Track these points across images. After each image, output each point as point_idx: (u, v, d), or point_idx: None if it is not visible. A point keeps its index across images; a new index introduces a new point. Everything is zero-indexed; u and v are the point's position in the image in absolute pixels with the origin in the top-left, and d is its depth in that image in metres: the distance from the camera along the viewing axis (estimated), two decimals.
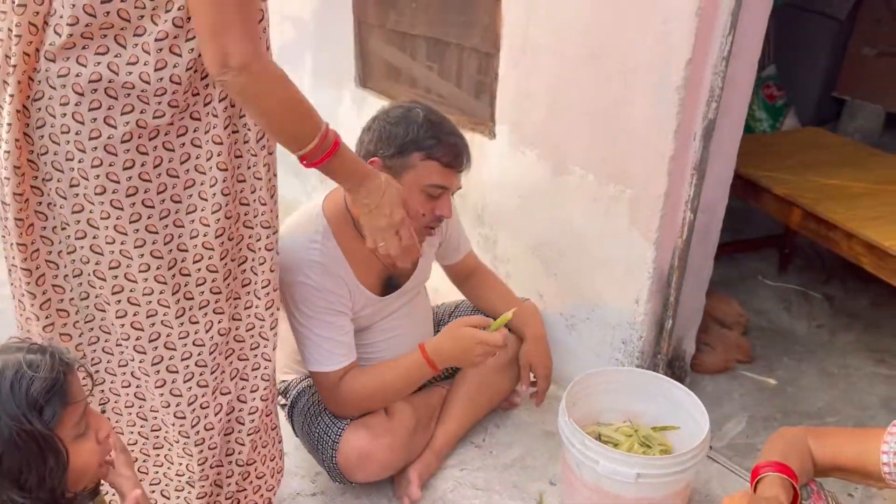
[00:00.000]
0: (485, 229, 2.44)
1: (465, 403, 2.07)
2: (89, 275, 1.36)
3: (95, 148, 1.24)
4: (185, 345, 1.41)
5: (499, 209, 2.36)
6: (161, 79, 1.23)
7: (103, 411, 1.49)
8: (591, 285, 2.13)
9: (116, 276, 1.34)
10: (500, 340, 1.73)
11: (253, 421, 1.55)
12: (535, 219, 2.23)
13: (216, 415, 1.49)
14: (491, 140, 2.30)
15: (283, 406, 2.06)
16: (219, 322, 1.43)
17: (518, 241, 2.32)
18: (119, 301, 1.36)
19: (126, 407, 1.52)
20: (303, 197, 3.39)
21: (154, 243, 1.33)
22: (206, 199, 1.35)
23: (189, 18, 1.21)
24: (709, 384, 2.35)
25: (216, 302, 1.42)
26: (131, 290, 1.35)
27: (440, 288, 2.33)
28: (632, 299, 2.02)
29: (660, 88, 1.79)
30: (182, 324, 1.39)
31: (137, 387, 1.48)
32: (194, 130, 1.32)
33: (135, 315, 1.38)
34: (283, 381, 2.05)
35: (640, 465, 1.63)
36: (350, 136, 2.91)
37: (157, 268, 1.34)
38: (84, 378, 1.07)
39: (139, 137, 1.26)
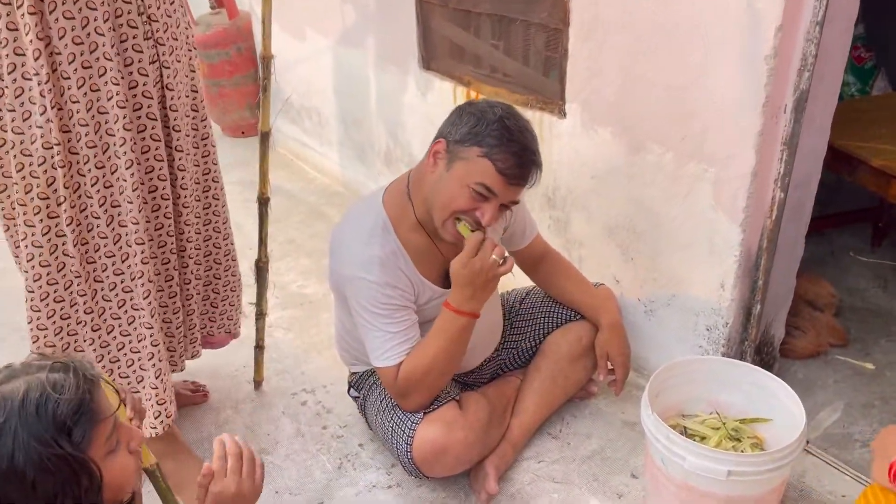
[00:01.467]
0: (555, 212, 2.35)
1: (540, 394, 2.01)
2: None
3: None
4: None
5: (570, 191, 2.27)
6: None
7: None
8: (672, 269, 2.02)
9: None
10: (475, 241, 1.62)
11: None
12: (609, 200, 2.14)
13: None
14: (561, 119, 2.21)
15: (354, 398, 2.05)
16: None
17: (592, 223, 2.23)
18: None
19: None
20: (369, 181, 3.37)
21: None
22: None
23: None
24: (800, 370, 2.22)
25: None
26: None
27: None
28: (716, 284, 1.91)
29: (745, 59, 1.66)
30: None
31: None
32: None
33: None
34: (355, 373, 2.03)
35: (731, 463, 1.53)
36: (417, 122, 2.88)
37: None
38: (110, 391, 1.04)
39: None
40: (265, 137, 1.95)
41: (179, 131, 1.75)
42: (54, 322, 1.74)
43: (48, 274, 1.69)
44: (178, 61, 1.73)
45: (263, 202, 2.03)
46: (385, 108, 3.07)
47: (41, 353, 1.00)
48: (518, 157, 1.59)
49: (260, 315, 2.16)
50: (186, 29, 1.80)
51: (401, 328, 1.73)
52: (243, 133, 4.24)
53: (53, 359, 0.97)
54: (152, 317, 1.76)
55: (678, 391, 1.83)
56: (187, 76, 1.80)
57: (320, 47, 3.36)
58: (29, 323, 1.74)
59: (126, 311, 1.77)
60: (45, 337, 1.76)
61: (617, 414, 2.11)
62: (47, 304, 1.72)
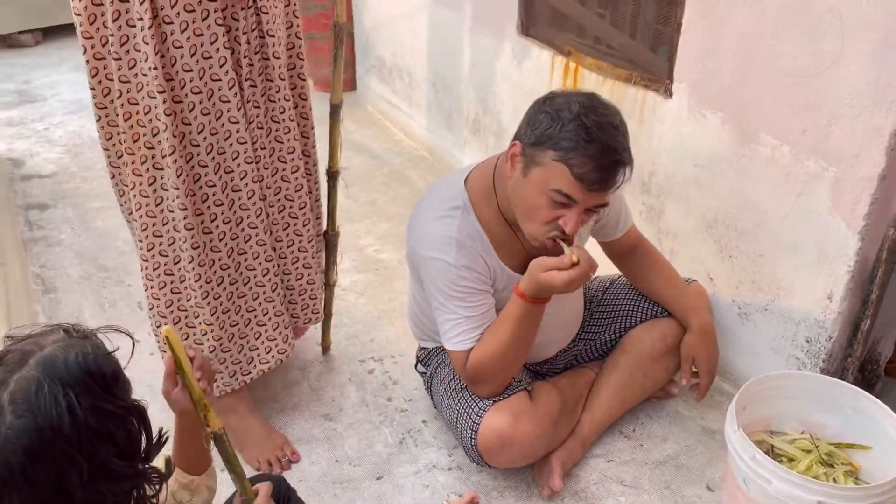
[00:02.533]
0: (650, 198, 2.21)
1: (615, 390, 1.91)
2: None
3: None
4: None
5: (669, 178, 2.12)
6: None
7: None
8: (774, 273, 1.86)
9: None
10: (568, 260, 1.47)
11: None
12: (711, 192, 1.98)
13: None
14: (666, 99, 2.05)
15: (422, 374, 2.00)
16: None
17: (689, 215, 2.08)
18: None
19: None
20: (454, 149, 3.28)
21: None
22: None
23: None
24: None
25: None
26: None
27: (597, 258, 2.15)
28: (823, 293, 1.75)
29: (883, 49, 1.48)
30: None
31: None
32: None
33: None
34: (423, 348, 1.98)
35: (823, 494, 1.40)
36: (510, 91, 2.76)
37: None
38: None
39: None
40: (335, 110, 1.87)
41: (284, 80, 1.70)
42: (159, 276, 1.74)
43: (154, 225, 1.68)
44: (276, 7, 1.66)
45: (332, 175, 1.98)
46: (477, 74, 2.96)
47: (10, 336, 0.94)
48: (597, 160, 1.43)
49: (327, 285, 2.13)
50: None
51: (476, 313, 1.65)
52: None
53: (49, 327, 0.92)
54: (265, 276, 1.80)
55: (769, 405, 1.69)
56: (286, 26, 1.74)
57: (417, 5, 3.26)
58: (142, 271, 1.77)
59: (240, 269, 1.78)
60: (154, 297, 1.77)
61: (696, 419, 1.99)
62: (153, 256, 1.72)
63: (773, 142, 1.76)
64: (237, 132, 1.64)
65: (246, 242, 1.76)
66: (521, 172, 1.52)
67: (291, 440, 1.93)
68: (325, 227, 2.04)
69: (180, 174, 1.61)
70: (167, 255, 1.72)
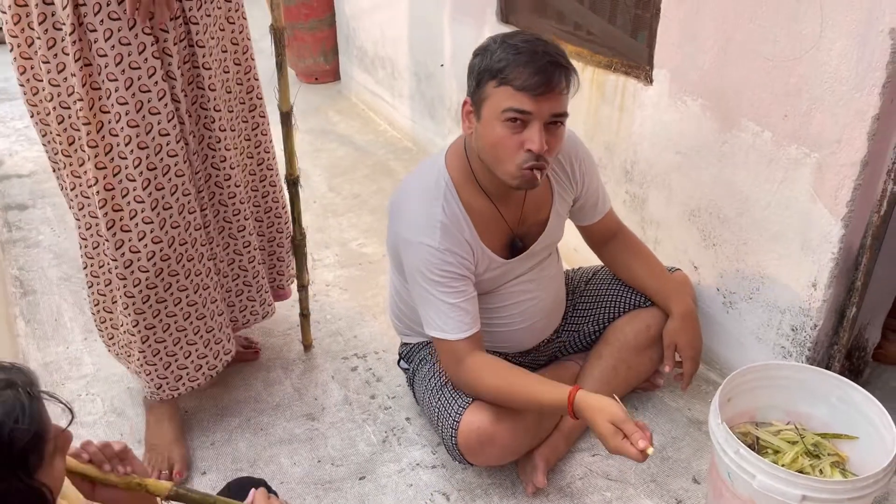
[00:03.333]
0: (633, 187, 2.18)
1: (600, 383, 1.88)
2: None
3: None
4: None
5: (651, 166, 2.09)
6: None
7: None
8: (758, 260, 1.83)
9: None
10: (643, 448, 1.38)
11: None
12: (694, 179, 1.95)
13: None
14: (646, 86, 2.01)
15: (404, 370, 1.97)
16: None
17: (672, 203, 2.05)
18: None
19: None
20: (438, 139, 3.24)
21: None
22: None
23: None
24: (892, 378, 2.01)
25: None
26: None
27: (579, 247, 2.12)
28: (807, 281, 1.72)
29: (866, 30, 1.44)
30: None
31: None
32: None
33: None
34: (406, 344, 1.95)
35: (807, 487, 1.38)
36: None
37: None
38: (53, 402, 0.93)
39: None
40: (286, 119, 1.84)
41: (214, 90, 1.65)
42: (96, 276, 1.74)
43: (97, 226, 1.65)
44: (209, 15, 1.61)
45: (292, 183, 1.94)
46: (459, 62, 2.92)
47: None
48: (532, 65, 1.42)
49: (301, 287, 2.13)
50: None
51: (457, 300, 1.62)
52: (317, 79, 4.16)
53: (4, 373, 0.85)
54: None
55: (753, 396, 1.67)
56: (223, 30, 1.69)
57: None
58: (83, 269, 1.77)
59: (170, 289, 1.73)
60: (93, 297, 1.78)
61: (683, 410, 1.96)
62: (93, 256, 1.71)
63: (754, 128, 1.73)
64: (167, 145, 1.57)
65: (178, 263, 1.69)
66: (476, 119, 1.52)
67: (273, 441, 1.91)
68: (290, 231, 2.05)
69: (109, 189, 1.56)
70: (102, 260, 1.70)
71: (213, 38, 1.63)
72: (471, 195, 1.63)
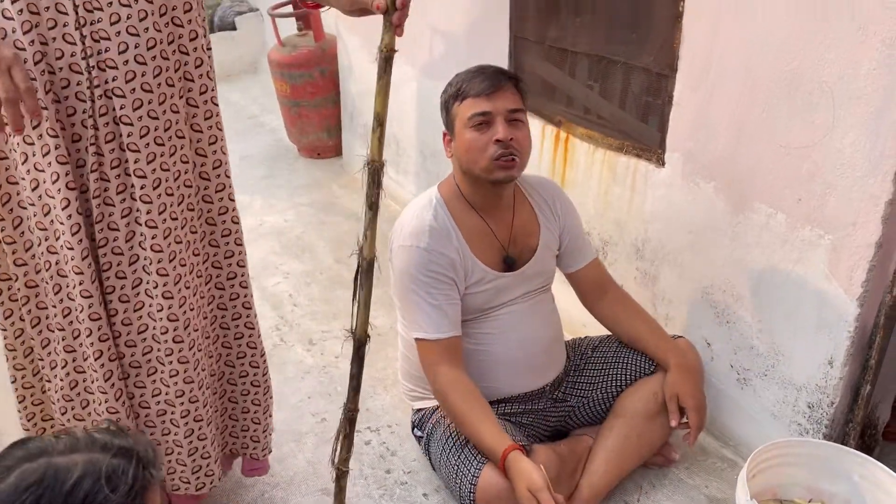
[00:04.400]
0: (644, 264, 2.24)
1: (612, 455, 1.89)
2: None
3: None
4: None
5: (662, 244, 2.15)
6: None
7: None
8: (773, 338, 1.88)
9: None
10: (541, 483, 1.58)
11: None
12: (707, 258, 2.01)
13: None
14: (658, 168, 2.10)
15: (418, 438, 1.97)
16: None
17: (684, 281, 2.10)
18: None
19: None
20: None
21: None
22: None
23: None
24: None
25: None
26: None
27: (588, 323, 2.16)
28: (823, 359, 1.76)
29: (877, 121, 1.53)
30: None
31: None
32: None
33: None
34: (419, 410, 1.97)
35: None
36: None
37: None
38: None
39: None
40: (369, 270, 1.46)
41: (149, 202, 1.43)
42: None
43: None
44: (154, 118, 1.40)
45: (360, 344, 1.54)
46: None
47: (116, 425, 0.88)
48: (479, 74, 1.75)
49: (342, 474, 1.69)
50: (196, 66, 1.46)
51: (440, 301, 1.77)
52: (318, 154, 4.24)
53: (122, 438, 0.87)
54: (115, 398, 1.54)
55: (776, 473, 1.69)
56: (182, 138, 1.47)
57: (405, 77, 3.33)
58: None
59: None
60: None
61: (700, 488, 1.97)
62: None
63: (767, 210, 1.80)
64: (72, 259, 1.41)
65: (85, 390, 1.57)
66: (452, 138, 1.81)
67: None
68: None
69: (31, 287, 1.50)
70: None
71: (160, 144, 1.42)
72: (461, 211, 1.83)
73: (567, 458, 1.86)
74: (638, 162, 2.17)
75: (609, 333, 2.06)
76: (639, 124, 2.21)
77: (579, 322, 2.33)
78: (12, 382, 1.63)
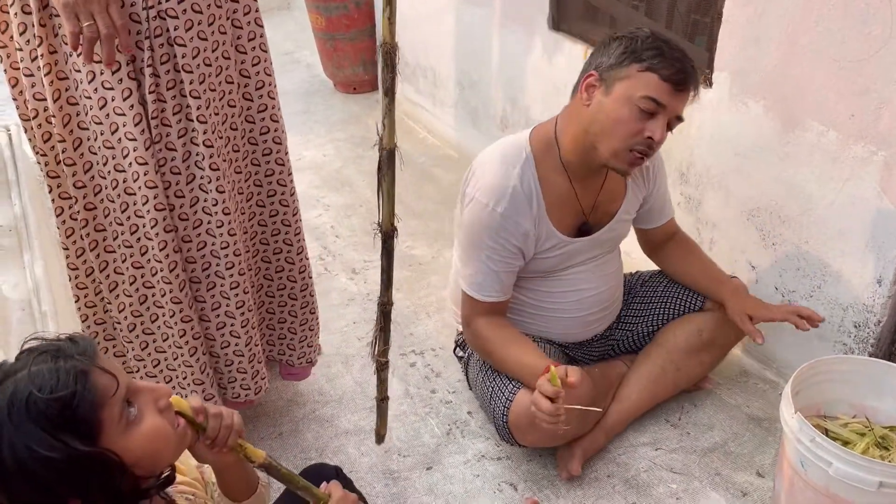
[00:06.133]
0: (688, 188, 2.22)
1: (646, 382, 1.91)
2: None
3: None
4: None
5: (708, 168, 2.13)
6: None
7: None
8: (820, 259, 1.87)
9: None
10: (545, 405, 1.51)
11: None
12: (753, 180, 1.99)
13: None
14: (706, 89, 2.06)
15: (459, 358, 2.02)
16: None
17: (729, 204, 2.09)
18: None
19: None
20: (480, 147, 3.28)
21: None
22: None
23: None
24: None
25: None
26: None
27: (632, 251, 2.16)
28: (872, 278, 1.75)
29: None
30: None
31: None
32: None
33: None
34: (462, 332, 1.99)
35: (884, 474, 1.40)
36: (540, 87, 2.77)
37: None
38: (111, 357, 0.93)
39: None
40: (390, 158, 1.43)
41: (205, 122, 1.47)
42: (87, 295, 1.69)
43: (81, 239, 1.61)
44: (204, 38, 1.43)
45: (387, 237, 1.51)
46: (506, 70, 2.98)
47: (36, 337, 0.89)
48: (680, 63, 1.55)
49: (383, 366, 1.69)
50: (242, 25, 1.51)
51: (498, 269, 1.72)
52: (355, 89, 4.23)
53: (42, 345, 0.86)
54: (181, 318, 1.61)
55: (820, 390, 1.69)
56: (228, 59, 1.51)
57: (443, 5, 3.28)
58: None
59: (152, 324, 1.65)
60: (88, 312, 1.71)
61: (742, 407, 1.99)
62: (86, 288, 1.67)
63: (819, 127, 1.77)
64: (145, 175, 1.44)
65: (154, 304, 1.62)
66: (603, 93, 1.59)
67: (340, 432, 1.95)
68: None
69: (90, 209, 1.53)
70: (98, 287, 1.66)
71: (208, 65, 1.45)
72: (549, 170, 1.70)
73: (600, 383, 1.88)
74: None
75: (659, 269, 2.06)
76: (686, 44, 2.16)
77: (623, 251, 2.32)
78: (75, 302, 1.69)
